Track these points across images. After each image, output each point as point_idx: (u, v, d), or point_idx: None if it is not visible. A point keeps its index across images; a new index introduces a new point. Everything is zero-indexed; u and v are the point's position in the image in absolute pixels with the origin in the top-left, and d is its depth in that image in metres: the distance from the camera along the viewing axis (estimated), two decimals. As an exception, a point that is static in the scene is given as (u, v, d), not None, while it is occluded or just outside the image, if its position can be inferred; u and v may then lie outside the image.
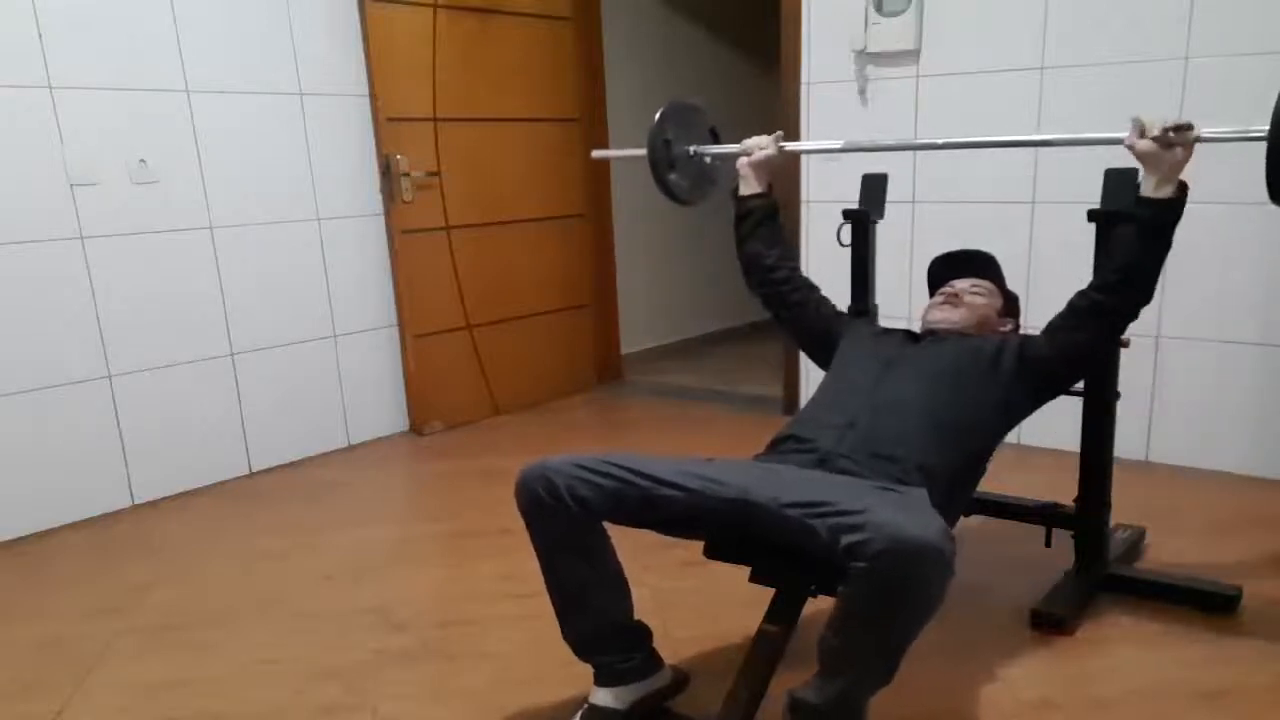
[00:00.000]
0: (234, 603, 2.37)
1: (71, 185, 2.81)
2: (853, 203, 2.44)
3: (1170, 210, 1.72)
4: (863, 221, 2.41)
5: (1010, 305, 2.11)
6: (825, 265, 3.52)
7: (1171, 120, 1.67)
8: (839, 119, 3.42)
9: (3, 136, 2.67)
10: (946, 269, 2.14)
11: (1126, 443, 2.77)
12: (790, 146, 2.11)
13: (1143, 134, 1.69)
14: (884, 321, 2.50)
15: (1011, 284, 2.15)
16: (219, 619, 2.28)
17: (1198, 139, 1.67)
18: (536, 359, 4.09)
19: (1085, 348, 1.85)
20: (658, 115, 2.16)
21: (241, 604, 2.36)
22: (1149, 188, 1.73)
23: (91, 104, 2.82)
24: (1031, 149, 3.06)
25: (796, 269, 2.13)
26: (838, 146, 2.27)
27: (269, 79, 3.21)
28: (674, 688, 1.81)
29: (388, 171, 3.49)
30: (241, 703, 1.92)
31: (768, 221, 2.11)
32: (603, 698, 1.72)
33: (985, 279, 2.08)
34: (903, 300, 3.15)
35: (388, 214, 3.56)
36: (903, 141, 3.25)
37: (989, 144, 2.14)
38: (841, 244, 2.42)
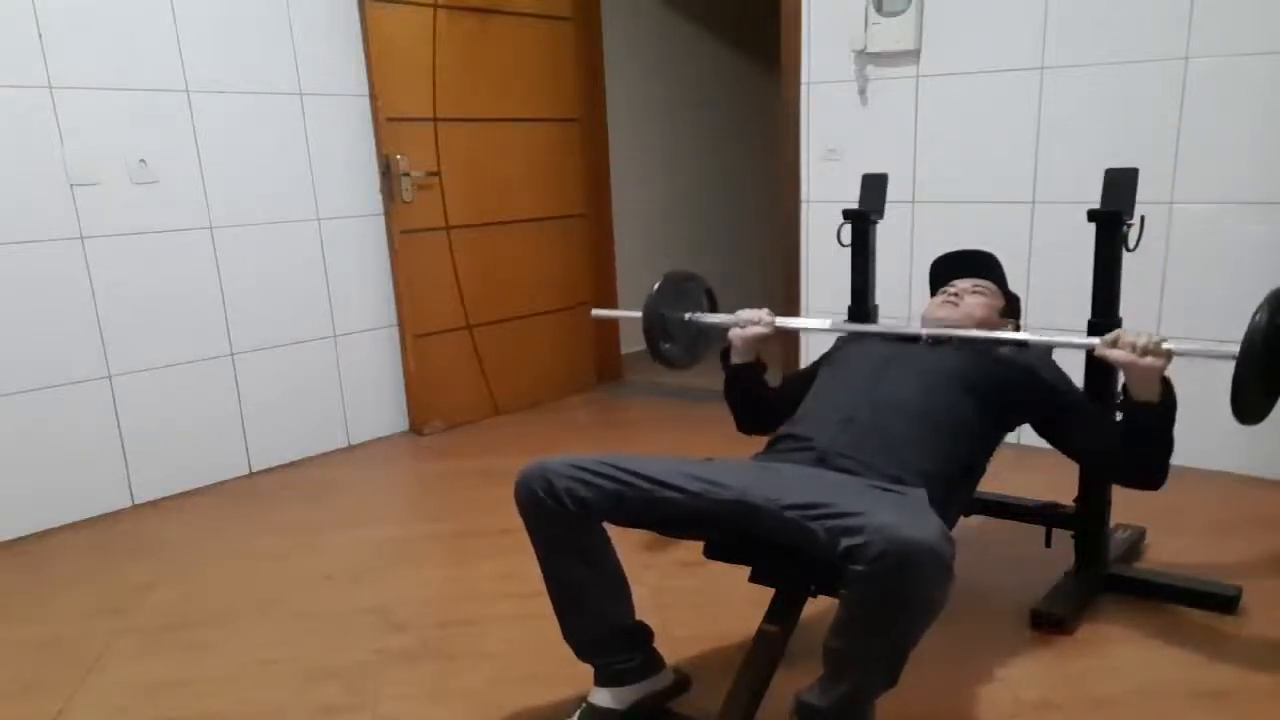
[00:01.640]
0: (234, 603, 2.37)
1: (71, 185, 2.81)
2: (853, 203, 2.44)
3: (1156, 411, 1.70)
4: (863, 221, 2.41)
5: (1011, 306, 2.10)
6: (825, 265, 3.53)
7: (1144, 339, 1.65)
8: (839, 119, 3.43)
9: (3, 136, 2.67)
10: (948, 269, 2.13)
11: (1126, 443, 2.77)
12: (781, 322, 2.10)
13: (1115, 344, 1.69)
14: (884, 322, 2.51)
15: (1011, 284, 2.15)
16: (219, 619, 2.28)
17: (1170, 353, 1.66)
18: (536, 359, 4.09)
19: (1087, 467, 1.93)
20: (655, 288, 2.17)
21: (241, 604, 2.36)
22: (1132, 390, 1.71)
23: (91, 104, 2.82)
24: (1031, 150, 3.07)
25: (775, 409, 2.09)
26: (826, 326, 2.26)
27: (269, 79, 3.21)
28: (675, 689, 1.81)
29: (388, 171, 3.49)
30: (241, 703, 1.92)
31: (753, 386, 2.12)
32: (601, 698, 1.72)
33: (987, 279, 2.08)
34: (903, 300, 3.16)
35: (388, 214, 3.56)
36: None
37: (968, 338, 1.99)
38: (841, 244, 2.42)
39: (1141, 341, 1.66)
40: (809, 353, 3.51)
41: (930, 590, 1.32)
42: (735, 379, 2.12)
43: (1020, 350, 1.95)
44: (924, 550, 1.28)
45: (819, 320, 2.35)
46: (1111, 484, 1.93)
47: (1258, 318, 1.58)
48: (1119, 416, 1.77)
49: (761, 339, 2.09)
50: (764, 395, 2.13)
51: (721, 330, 2.15)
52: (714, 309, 2.29)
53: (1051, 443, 1.89)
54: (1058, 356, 2.01)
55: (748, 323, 2.08)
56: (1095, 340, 1.74)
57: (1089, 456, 1.90)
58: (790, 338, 3.66)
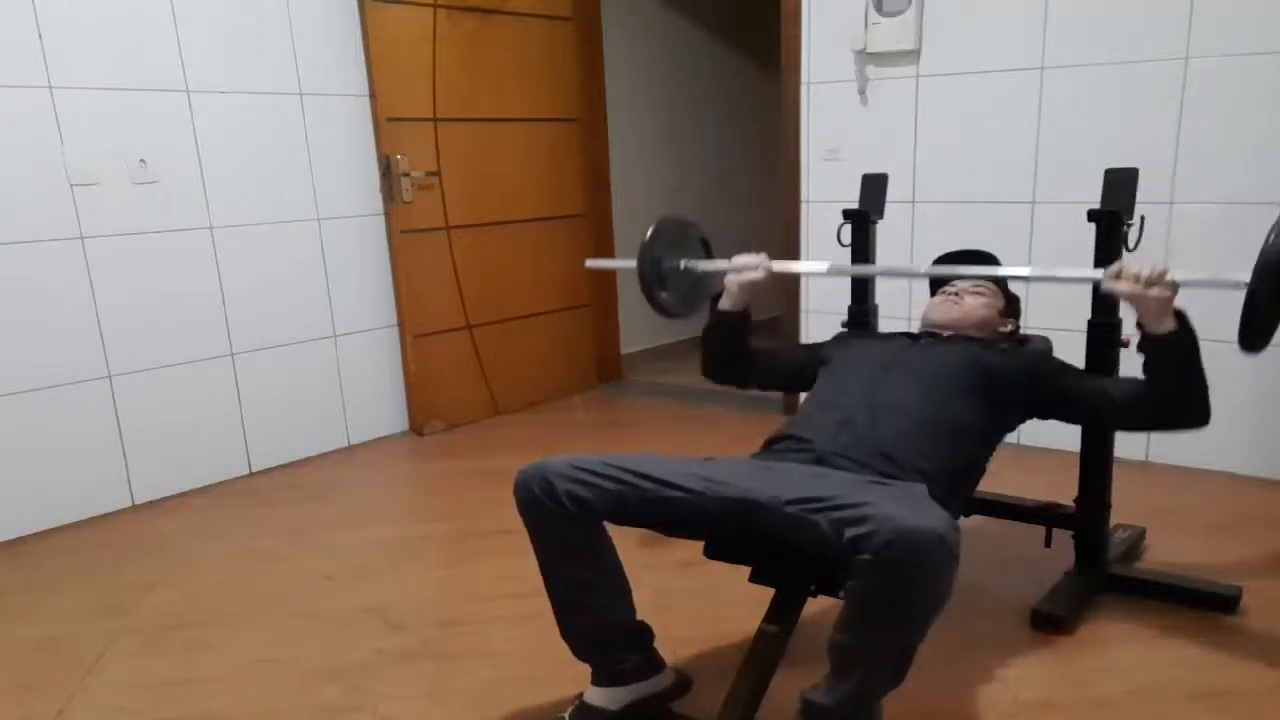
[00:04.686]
0: (234, 603, 2.37)
1: (71, 185, 2.81)
2: (853, 203, 2.44)
3: (1175, 343, 1.68)
4: (863, 221, 2.41)
5: (1011, 306, 2.11)
6: (825, 265, 3.53)
7: (1147, 271, 1.64)
8: (839, 119, 3.43)
9: (3, 136, 2.67)
10: (948, 269, 2.14)
11: (1126, 443, 2.77)
12: (778, 267, 2.07)
13: (1119, 276, 1.68)
14: (884, 322, 2.50)
15: (1011, 284, 2.15)
16: (219, 619, 2.28)
17: (1175, 284, 1.65)
18: (536, 359, 4.09)
19: (1119, 426, 1.90)
20: (648, 233, 2.12)
21: (241, 604, 2.36)
22: (1146, 325, 1.70)
23: (91, 104, 2.81)
24: (1031, 150, 3.07)
25: (752, 366, 2.11)
26: (824, 270, 2.23)
27: (269, 79, 3.21)
28: (674, 691, 1.79)
29: (388, 172, 3.49)
30: (241, 703, 1.92)
31: (735, 337, 2.09)
32: (596, 697, 1.72)
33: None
34: (903, 300, 3.16)
35: (388, 214, 3.56)
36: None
37: (967, 276, 2.03)
38: (841, 244, 2.42)
39: (1145, 272, 1.64)
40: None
41: (936, 578, 1.31)
42: (718, 325, 2.10)
43: (1021, 348, 1.95)
44: (931, 537, 1.28)
45: (816, 264, 2.30)
46: (1151, 429, 1.84)
47: (1272, 239, 1.53)
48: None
49: (757, 286, 2.05)
50: (742, 350, 2.11)
51: (718, 277, 2.11)
52: (709, 258, 2.23)
53: (1074, 421, 1.87)
54: (1058, 348, 2.01)
55: (744, 268, 2.05)
56: (1099, 273, 1.72)
57: (1118, 409, 1.80)
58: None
